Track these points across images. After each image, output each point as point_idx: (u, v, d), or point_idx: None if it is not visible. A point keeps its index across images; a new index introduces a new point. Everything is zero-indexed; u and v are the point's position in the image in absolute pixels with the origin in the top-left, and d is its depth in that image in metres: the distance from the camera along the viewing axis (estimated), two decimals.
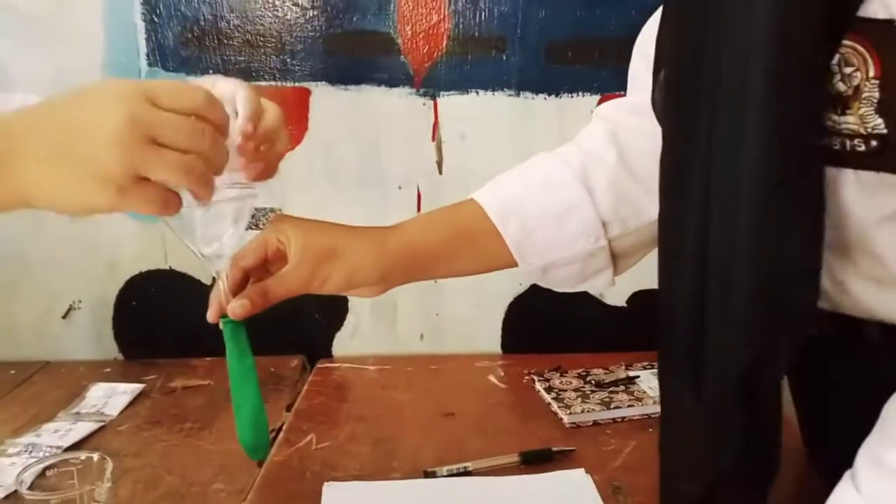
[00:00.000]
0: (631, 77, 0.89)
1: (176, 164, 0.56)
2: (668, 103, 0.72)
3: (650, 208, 0.80)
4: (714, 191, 0.64)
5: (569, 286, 0.88)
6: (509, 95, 1.26)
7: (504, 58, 1.25)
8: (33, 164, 0.56)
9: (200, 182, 0.58)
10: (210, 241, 0.70)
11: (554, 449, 0.98)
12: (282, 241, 0.77)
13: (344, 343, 1.36)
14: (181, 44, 1.27)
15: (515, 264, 0.85)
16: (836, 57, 0.57)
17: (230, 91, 0.71)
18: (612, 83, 1.24)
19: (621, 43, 1.23)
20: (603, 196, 0.83)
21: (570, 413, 1.07)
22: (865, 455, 0.57)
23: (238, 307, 0.73)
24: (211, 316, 0.75)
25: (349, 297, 1.34)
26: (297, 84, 1.28)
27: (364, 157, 1.30)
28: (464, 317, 1.35)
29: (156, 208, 0.57)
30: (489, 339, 1.35)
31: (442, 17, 1.25)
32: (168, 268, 1.34)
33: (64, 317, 1.36)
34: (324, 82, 1.28)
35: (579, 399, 1.11)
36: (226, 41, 1.26)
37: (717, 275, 0.63)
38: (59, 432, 1.08)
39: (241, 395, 0.74)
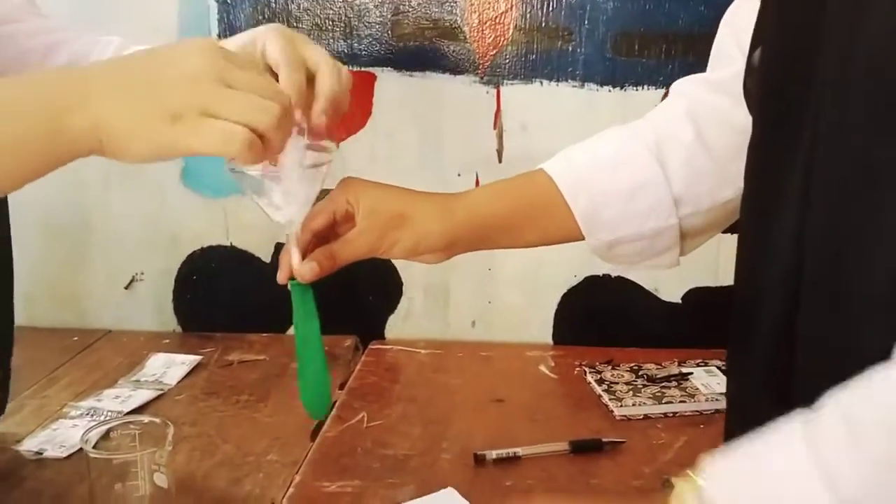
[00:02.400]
0: (714, 52, 0.85)
1: (248, 99, 0.56)
2: (765, 88, 0.69)
3: (724, 189, 0.79)
4: (817, 188, 0.60)
5: (633, 263, 0.87)
6: (573, 87, 1.26)
7: (570, 48, 1.25)
8: (107, 101, 0.56)
9: (270, 126, 0.56)
10: (283, 204, 0.71)
11: (604, 440, 0.98)
12: (351, 203, 0.77)
13: (396, 326, 1.38)
14: (252, 25, 1.28)
15: (581, 237, 0.83)
16: None
17: (314, 61, 0.71)
18: (678, 77, 1.21)
19: (690, 37, 1.23)
20: (676, 173, 0.81)
21: (622, 405, 1.07)
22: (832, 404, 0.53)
23: (306, 270, 0.73)
24: (281, 278, 0.76)
25: (403, 281, 1.35)
26: (362, 69, 1.29)
27: (425, 144, 1.31)
28: (516, 305, 1.35)
29: (224, 150, 0.56)
30: (540, 329, 1.35)
31: (509, 6, 1.25)
32: (229, 244, 1.37)
33: (126, 287, 1.40)
34: (389, 68, 1.29)
35: (630, 392, 1.11)
36: (295, 24, 1.28)
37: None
38: (120, 398, 1.12)
39: (306, 356, 0.76)
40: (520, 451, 0.96)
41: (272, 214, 0.72)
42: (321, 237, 0.77)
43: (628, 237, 0.83)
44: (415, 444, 1.00)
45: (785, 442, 0.53)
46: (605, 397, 1.10)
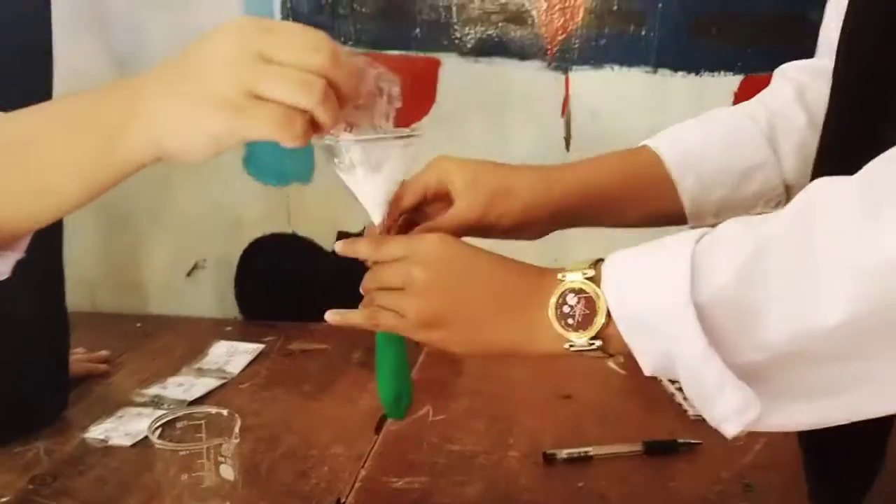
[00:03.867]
0: (821, 39, 0.82)
1: (290, 79, 0.54)
2: (851, 81, 0.67)
3: None
4: None
5: None
6: (646, 72, 1.21)
7: (642, 33, 1.20)
8: (159, 104, 0.56)
9: (317, 103, 0.55)
10: (373, 191, 0.69)
11: (679, 441, 0.95)
12: (443, 180, 0.75)
13: None
14: (315, 10, 1.27)
15: (685, 221, 0.80)
16: None
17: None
18: (758, 64, 1.17)
19: (770, 22, 1.17)
20: (790, 157, 0.78)
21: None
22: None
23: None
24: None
25: None
26: (426, 54, 1.26)
27: (490, 130, 1.28)
28: None
29: (275, 127, 0.54)
30: None
31: None
32: (291, 232, 1.35)
33: (188, 274, 1.40)
34: (454, 53, 1.26)
35: None
36: (359, 9, 1.26)
37: None
38: (184, 386, 1.11)
39: (386, 350, 0.73)
40: (591, 450, 0.93)
41: (358, 191, 0.70)
42: (408, 222, 0.76)
43: None
44: (481, 440, 0.98)
45: (678, 242, 0.55)
46: (678, 396, 1.06)
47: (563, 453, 0.93)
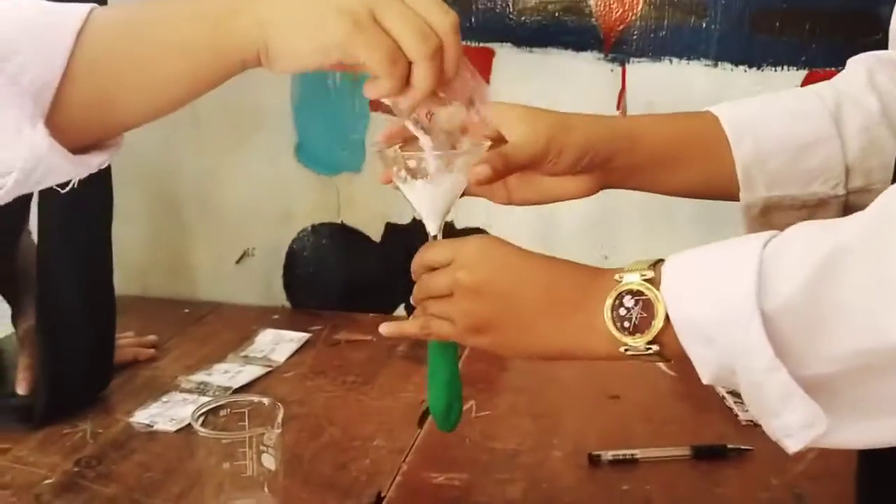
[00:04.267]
0: (892, 32, 0.78)
1: (413, 21, 0.54)
2: None
3: None
4: None
5: None
6: (705, 66, 1.18)
7: (703, 25, 1.17)
8: (271, 1, 0.56)
9: (430, 54, 0.55)
10: (430, 202, 0.69)
11: (729, 446, 0.92)
12: (499, 120, 0.72)
13: None
14: None
15: (737, 194, 0.77)
16: None
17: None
18: (822, 58, 1.13)
19: (836, 15, 1.13)
20: (854, 139, 0.74)
21: (748, 410, 1.00)
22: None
23: (480, 171, 0.68)
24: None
25: None
26: (480, 44, 1.24)
27: None
28: None
29: (383, 58, 0.54)
30: None
31: None
32: (340, 222, 1.35)
33: (238, 262, 1.41)
34: (508, 43, 1.24)
35: None
36: None
37: None
38: (229, 373, 1.11)
39: (437, 361, 0.72)
40: (637, 453, 0.91)
41: (414, 201, 0.69)
42: None
43: (787, 200, 0.76)
44: (524, 438, 0.96)
45: (744, 245, 0.53)
46: (730, 400, 1.03)
47: (609, 455, 0.90)
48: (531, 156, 0.72)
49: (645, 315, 0.57)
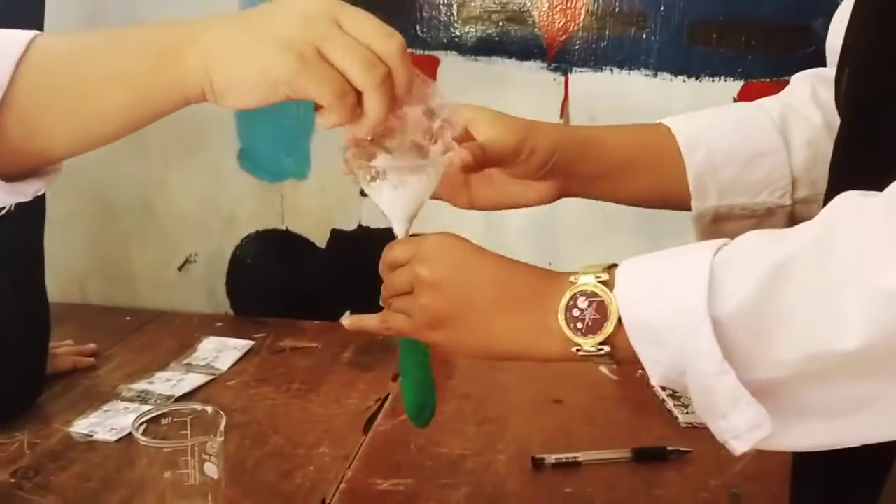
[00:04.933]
0: (828, 53, 0.83)
1: (358, 51, 0.54)
2: (851, 112, 0.67)
3: None
4: None
5: None
6: (646, 76, 1.20)
7: (644, 36, 1.20)
8: (221, 34, 0.56)
9: (377, 83, 0.55)
10: (398, 206, 0.68)
11: (668, 448, 0.94)
12: (470, 120, 0.74)
13: None
14: None
15: (688, 203, 0.80)
16: None
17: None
18: (757, 69, 1.17)
19: (771, 28, 1.17)
20: (799, 151, 0.78)
21: (687, 412, 1.02)
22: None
23: (463, 155, 0.69)
24: None
25: None
26: (425, 52, 1.25)
27: None
28: None
29: (330, 92, 0.55)
30: None
31: None
32: (284, 228, 1.34)
33: (180, 269, 1.39)
34: (453, 52, 1.25)
35: None
36: (360, 5, 1.24)
37: None
38: (171, 382, 1.10)
39: (407, 358, 0.73)
40: (580, 456, 0.92)
41: (381, 204, 0.68)
42: None
43: (736, 209, 0.79)
44: (469, 443, 0.97)
45: (696, 252, 0.55)
46: (670, 403, 1.05)
47: (552, 458, 0.92)
48: (504, 153, 0.73)
49: (598, 316, 0.57)
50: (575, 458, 0.92)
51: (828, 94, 0.78)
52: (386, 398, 1.07)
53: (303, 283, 1.35)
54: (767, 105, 0.81)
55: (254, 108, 0.58)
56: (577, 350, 0.59)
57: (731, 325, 0.51)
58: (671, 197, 0.81)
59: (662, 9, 1.18)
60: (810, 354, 0.49)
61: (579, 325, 0.58)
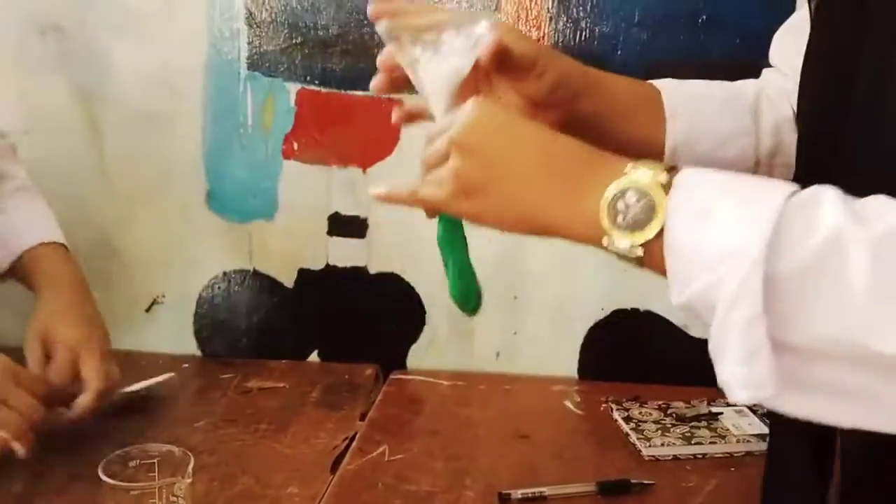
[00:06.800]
0: (772, 57, 0.88)
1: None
2: (806, 150, 0.70)
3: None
4: None
5: None
6: None
7: None
8: None
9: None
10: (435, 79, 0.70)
11: (632, 481, 0.96)
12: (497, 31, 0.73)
13: (419, 355, 1.35)
14: (281, 50, 1.28)
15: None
16: None
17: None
18: None
19: (724, 69, 1.20)
20: (767, 137, 0.80)
21: (650, 445, 1.04)
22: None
23: (491, 42, 0.69)
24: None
25: (427, 309, 1.33)
26: (391, 96, 1.27)
27: None
28: (541, 337, 1.33)
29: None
30: (566, 362, 1.32)
31: (542, 34, 1.24)
32: (252, 269, 1.35)
33: (147, 310, 1.39)
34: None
35: (659, 432, 1.08)
36: (326, 50, 1.27)
37: None
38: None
39: (447, 252, 0.72)
40: (546, 490, 0.94)
41: (419, 79, 0.70)
42: None
43: None
44: (437, 480, 0.98)
45: (767, 188, 0.52)
46: (633, 436, 1.07)
47: (518, 493, 0.93)
48: (522, 61, 0.72)
49: (642, 217, 0.54)
50: (541, 492, 0.93)
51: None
52: (353, 437, 1.08)
53: (270, 323, 1.36)
54: (745, 87, 0.84)
55: None
56: (609, 244, 0.56)
57: (782, 280, 0.49)
58: (651, 154, 0.79)
59: (619, 52, 1.22)
60: (847, 340, 0.48)
61: (619, 218, 0.55)
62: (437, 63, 0.68)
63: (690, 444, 1.05)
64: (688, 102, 0.81)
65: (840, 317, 0.48)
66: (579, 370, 1.32)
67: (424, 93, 0.70)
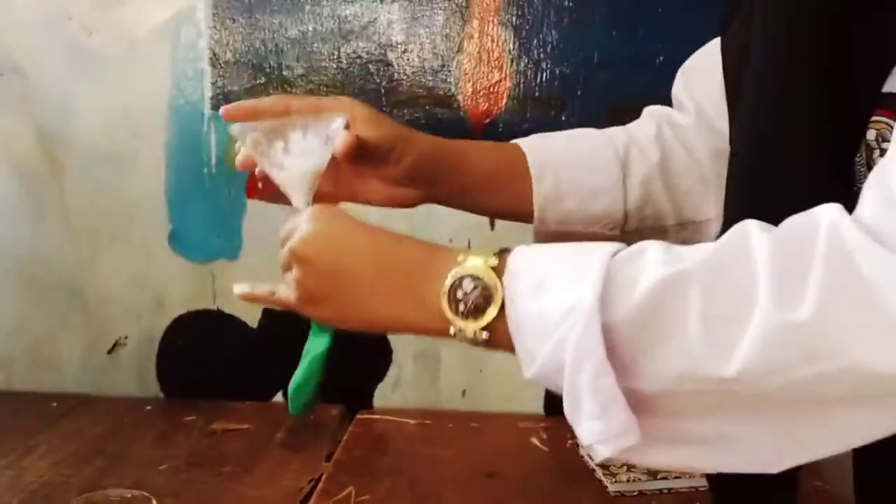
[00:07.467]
0: (673, 97, 0.90)
1: None
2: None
3: (668, 217, 0.83)
4: None
5: None
6: None
7: (563, 118, 1.25)
8: None
9: None
10: (294, 178, 0.71)
11: None
12: (347, 112, 0.74)
13: (385, 394, 1.35)
14: (246, 90, 1.29)
15: (529, 218, 0.83)
16: (874, 133, 0.57)
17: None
18: None
19: None
20: (635, 189, 0.82)
21: (616, 482, 1.05)
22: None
23: (347, 140, 0.71)
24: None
25: (393, 348, 1.33)
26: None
27: (416, 210, 1.30)
28: (508, 374, 1.33)
29: None
30: (532, 399, 1.33)
31: (503, 75, 1.26)
32: (216, 308, 1.34)
33: (109, 352, 1.37)
34: None
35: (625, 467, 1.08)
36: (290, 89, 1.28)
37: None
38: None
39: (310, 344, 0.73)
40: None
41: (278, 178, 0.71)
42: None
43: (572, 236, 0.80)
44: None
45: (593, 250, 0.54)
46: (599, 472, 1.08)
47: None
48: (381, 147, 0.75)
49: (481, 301, 0.56)
50: None
51: (671, 135, 0.85)
52: (319, 478, 1.07)
53: (235, 364, 1.35)
54: (615, 136, 0.85)
55: None
56: (456, 333, 0.57)
57: (619, 329, 0.51)
58: (524, 214, 0.83)
59: (580, 93, 1.25)
60: (689, 374, 0.50)
61: (461, 306, 0.56)
62: (290, 162, 0.70)
63: (656, 479, 1.06)
64: (554, 161, 0.83)
65: (680, 352, 0.50)
66: (545, 407, 1.33)
67: (283, 189, 0.72)
